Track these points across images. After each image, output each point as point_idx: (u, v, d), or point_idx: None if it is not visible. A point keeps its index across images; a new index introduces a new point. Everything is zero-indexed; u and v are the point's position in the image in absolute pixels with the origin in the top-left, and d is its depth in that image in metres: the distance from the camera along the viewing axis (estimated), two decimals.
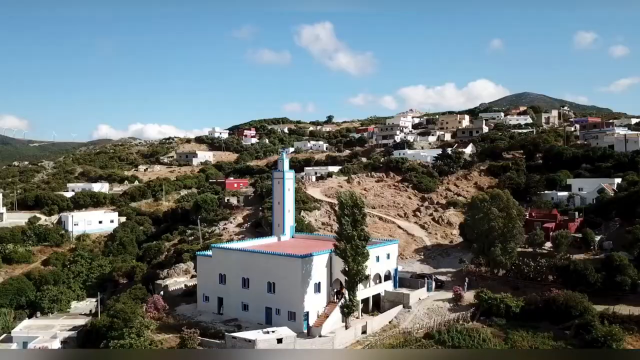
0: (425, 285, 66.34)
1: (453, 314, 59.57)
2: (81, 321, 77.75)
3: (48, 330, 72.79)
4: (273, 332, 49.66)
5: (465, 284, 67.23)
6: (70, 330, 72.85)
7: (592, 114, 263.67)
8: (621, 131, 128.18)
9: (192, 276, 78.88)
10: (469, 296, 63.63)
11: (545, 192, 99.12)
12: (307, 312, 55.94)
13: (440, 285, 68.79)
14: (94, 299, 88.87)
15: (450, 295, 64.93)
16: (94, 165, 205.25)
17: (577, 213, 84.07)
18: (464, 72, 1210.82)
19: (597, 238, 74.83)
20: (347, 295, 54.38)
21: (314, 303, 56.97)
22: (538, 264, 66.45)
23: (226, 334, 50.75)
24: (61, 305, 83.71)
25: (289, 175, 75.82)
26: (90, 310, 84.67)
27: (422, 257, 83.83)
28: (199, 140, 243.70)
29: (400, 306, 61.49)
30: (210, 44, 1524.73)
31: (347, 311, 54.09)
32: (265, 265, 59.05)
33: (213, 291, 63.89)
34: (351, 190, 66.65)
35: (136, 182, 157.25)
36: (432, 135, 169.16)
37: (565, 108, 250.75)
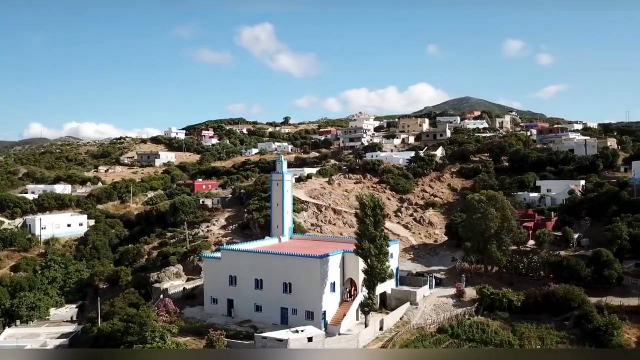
0: (428, 283, 68.96)
1: (459, 310, 62.30)
2: (68, 328, 74.79)
3: (35, 339, 69.73)
4: (302, 331, 50.17)
5: (463, 281, 70.37)
6: (59, 337, 70.18)
7: (535, 119, 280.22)
8: (578, 137, 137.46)
9: (188, 279, 77.64)
10: (469, 292, 66.74)
11: (518, 193, 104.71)
12: (325, 312, 56.95)
13: (439, 283, 71.60)
14: (74, 305, 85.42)
15: (450, 292, 67.69)
16: (39, 166, 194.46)
17: (552, 213, 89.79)
18: (405, 76, 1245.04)
19: (576, 236, 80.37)
20: (367, 294, 55.77)
21: (331, 302, 58.02)
22: (532, 260, 70.67)
23: (255, 334, 50.74)
24: (40, 312, 79.84)
25: (288, 178, 76.53)
26: (72, 317, 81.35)
27: (412, 256, 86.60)
28: (156, 140, 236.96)
29: (408, 303, 63.60)
30: (148, 42, 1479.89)
31: (367, 310, 55.48)
32: (281, 267, 59.43)
33: (222, 293, 63.41)
34: (371, 193, 68.07)
35: (100, 184, 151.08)
36: (397, 138, 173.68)
37: (514, 114, 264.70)
